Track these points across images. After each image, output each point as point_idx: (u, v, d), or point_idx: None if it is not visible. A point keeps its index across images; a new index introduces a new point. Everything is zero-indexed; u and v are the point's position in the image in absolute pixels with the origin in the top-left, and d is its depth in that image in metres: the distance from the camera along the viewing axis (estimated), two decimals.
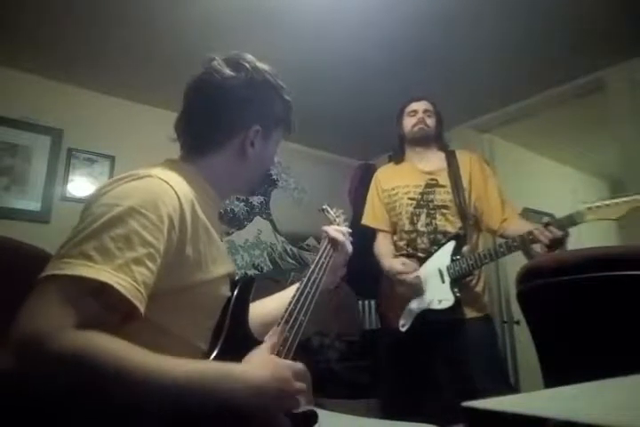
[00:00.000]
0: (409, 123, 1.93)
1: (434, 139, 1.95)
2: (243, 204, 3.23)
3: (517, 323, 2.76)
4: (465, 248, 1.73)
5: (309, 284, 0.92)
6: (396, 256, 1.87)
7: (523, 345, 2.71)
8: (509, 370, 2.67)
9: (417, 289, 1.71)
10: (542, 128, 3.17)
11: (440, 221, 1.80)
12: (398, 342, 1.80)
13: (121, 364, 0.56)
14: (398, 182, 1.92)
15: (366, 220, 2.02)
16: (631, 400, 0.37)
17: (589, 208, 1.39)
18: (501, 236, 1.78)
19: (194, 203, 0.76)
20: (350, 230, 1.18)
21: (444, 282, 1.68)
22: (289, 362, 0.72)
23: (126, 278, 0.61)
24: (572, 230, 1.49)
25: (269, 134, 0.90)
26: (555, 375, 0.97)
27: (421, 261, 1.77)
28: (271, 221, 3.36)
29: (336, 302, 2.90)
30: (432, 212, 1.82)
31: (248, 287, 0.86)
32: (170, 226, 0.69)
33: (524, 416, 0.30)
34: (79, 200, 2.54)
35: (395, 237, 1.94)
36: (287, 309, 0.86)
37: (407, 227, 1.85)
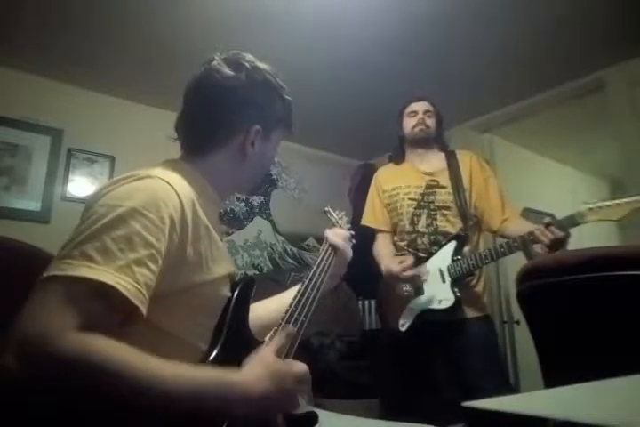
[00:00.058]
0: (409, 124, 1.93)
1: (434, 140, 1.94)
2: (243, 204, 3.23)
3: (517, 323, 2.76)
4: (466, 248, 1.73)
5: (310, 285, 0.92)
6: (396, 256, 1.87)
7: (523, 345, 2.71)
8: (509, 370, 2.67)
9: (417, 289, 1.72)
10: (542, 128, 3.17)
11: (441, 222, 1.80)
12: (398, 342, 1.80)
13: (121, 368, 0.56)
14: (399, 183, 1.91)
15: (366, 220, 2.01)
16: (631, 400, 0.37)
17: (590, 209, 1.39)
18: (502, 236, 1.78)
19: (194, 203, 0.75)
20: (353, 232, 1.18)
21: (444, 282, 1.68)
22: (291, 365, 0.71)
23: (128, 280, 0.61)
24: (573, 231, 1.48)
25: (269, 134, 0.90)
26: (555, 375, 0.97)
27: (422, 261, 1.77)
28: (271, 221, 3.36)
29: (336, 302, 2.90)
30: (433, 213, 1.82)
31: (248, 288, 0.86)
32: (171, 227, 0.68)
33: (523, 416, 0.30)
34: (79, 200, 2.54)
35: (395, 238, 1.94)
36: (288, 310, 0.86)
37: (408, 227, 1.85)
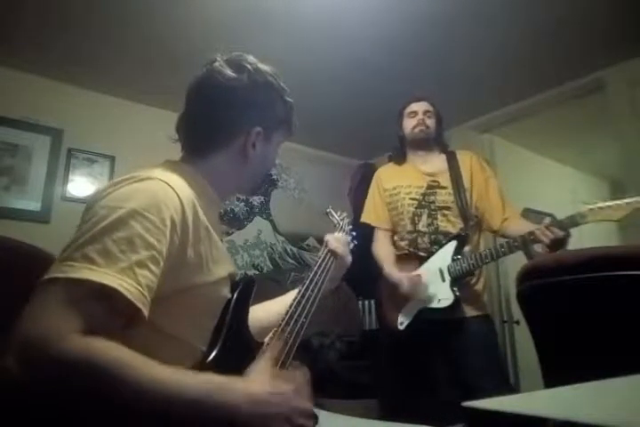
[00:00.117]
0: (409, 124, 1.93)
1: (434, 140, 1.95)
2: (243, 204, 3.23)
3: (517, 323, 2.76)
4: (466, 248, 1.73)
5: (311, 286, 0.93)
6: (396, 256, 1.87)
7: (523, 345, 2.71)
8: (509, 370, 2.67)
9: (417, 288, 1.72)
10: (542, 128, 3.17)
11: (441, 222, 1.81)
12: (398, 342, 1.80)
13: (123, 371, 0.56)
14: (400, 182, 1.92)
15: (366, 217, 2.01)
16: (631, 400, 0.37)
17: (591, 209, 1.39)
18: (502, 236, 1.79)
19: (195, 205, 0.75)
20: (354, 233, 1.18)
21: (444, 281, 1.68)
22: (291, 379, 0.70)
23: (130, 282, 0.61)
24: (573, 231, 1.49)
25: (270, 136, 0.90)
26: (555, 375, 0.97)
27: (422, 260, 1.78)
28: (271, 221, 3.36)
29: (336, 302, 2.90)
30: (433, 212, 1.82)
31: (248, 289, 0.86)
32: (172, 228, 0.68)
33: (523, 416, 0.30)
34: (79, 200, 2.54)
35: (395, 237, 1.94)
36: (288, 311, 0.86)
37: (409, 227, 1.85)
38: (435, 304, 1.67)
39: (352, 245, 1.18)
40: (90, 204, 0.71)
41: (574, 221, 1.44)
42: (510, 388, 2.02)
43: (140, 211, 0.65)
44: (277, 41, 2.26)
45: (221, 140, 0.86)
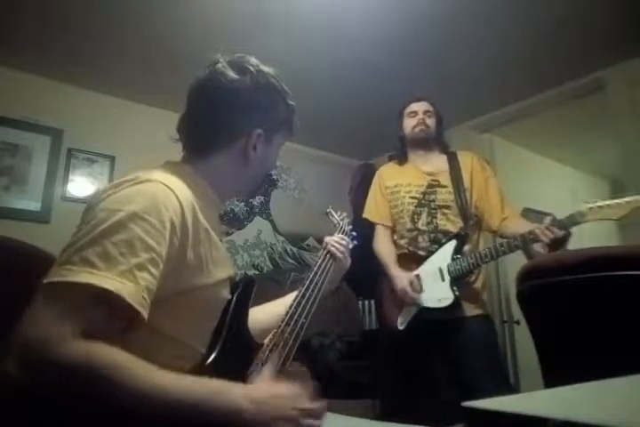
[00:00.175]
0: (409, 124, 1.93)
1: (434, 140, 1.95)
2: (243, 204, 3.23)
3: (517, 323, 2.76)
4: (466, 247, 1.73)
5: (311, 287, 0.93)
6: (397, 255, 1.87)
7: (523, 345, 2.71)
8: (509, 370, 2.67)
9: (416, 288, 1.72)
10: (542, 128, 3.17)
11: (441, 221, 1.81)
12: (397, 341, 1.80)
13: (122, 376, 0.56)
14: (401, 180, 1.92)
15: (367, 214, 2.02)
16: (631, 400, 0.37)
17: (591, 208, 1.39)
18: (501, 236, 1.79)
19: (194, 206, 0.75)
20: (354, 233, 1.18)
21: (443, 280, 1.68)
22: (293, 380, 0.70)
23: (130, 285, 0.61)
24: (574, 230, 1.49)
25: (271, 138, 0.90)
26: (555, 375, 0.97)
27: (422, 259, 1.78)
28: (271, 221, 3.36)
29: (336, 302, 2.90)
30: (433, 211, 1.83)
31: (248, 289, 0.86)
32: (172, 231, 0.68)
33: (523, 416, 0.30)
34: (79, 200, 2.54)
35: (395, 236, 1.94)
36: (288, 311, 0.86)
37: (408, 225, 1.85)
38: (434, 304, 1.67)
39: (352, 246, 1.18)
40: (90, 205, 0.71)
41: (574, 220, 1.44)
42: (510, 388, 2.02)
43: (140, 214, 0.65)
44: (277, 41, 2.26)
45: (222, 141, 0.86)
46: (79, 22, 2.11)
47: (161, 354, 0.60)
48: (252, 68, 0.86)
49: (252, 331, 0.84)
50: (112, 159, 2.74)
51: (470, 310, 1.70)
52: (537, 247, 1.54)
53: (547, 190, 3.43)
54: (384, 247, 1.91)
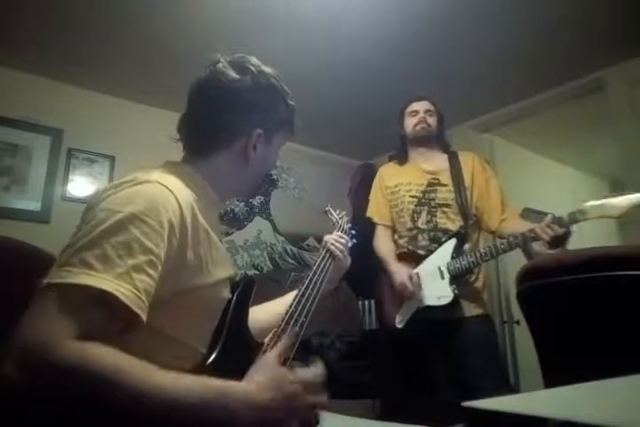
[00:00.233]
0: (410, 123, 1.94)
1: (435, 138, 1.95)
2: (243, 204, 3.23)
3: (517, 323, 2.76)
4: (466, 246, 1.73)
5: (310, 286, 0.93)
6: (396, 255, 1.87)
7: (523, 345, 2.71)
8: (509, 370, 2.67)
9: (415, 282, 1.72)
10: (542, 128, 3.17)
11: (441, 219, 1.81)
12: (397, 341, 1.80)
13: (121, 377, 0.56)
14: (401, 180, 1.93)
15: (370, 213, 2.03)
16: (631, 400, 0.37)
17: (591, 206, 1.40)
18: (500, 236, 1.79)
19: (194, 207, 0.75)
20: (354, 232, 1.18)
21: (443, 279, 1.69)
22: (298, 374, 0.69)
23: (127, 286, 0.61)
24: (574, 230, 1.49)
25: (271, 138, 0.90)
26: (555, 375, 0.97)
27: (421, 258, 1.78)
28: (271, 221, 3.36)
29: (336, 302, 2.90)
30: (433, 210, 1.83)
31: (248, 289, 0.86)
32: (170, 232, 0.68)
33: (523, 416, 0.30)
34: (79, 200, 2.54)
35: (395, 236, 1.94)
36: (288, 310, 0.86)
37: (408, 224, 1.86)
38: (434, 302, 1.67)
39: (351, 244, 1.18)
40: (89, 205, 0.71)
41: (574, 217, 1.44)
42: (510, 388, 2.02)
43: (139, 215, 0.65)
44: (277, 41, 2.26)
45: (223, 141, 0.86)
46: (79, 22, 2.11)
47: (161, 354, 0.60)
48: (252, 68, 0.86)
49: (253, 330, 0.84)
50: (112, 159, 2.74)
51: (470, 310, 1.71)
52: (537, 247, 1.54)
53: (547, 190, 3.43)
54: (384, 246, 1.92)
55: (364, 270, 1.84)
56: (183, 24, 2.15)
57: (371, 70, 2.53)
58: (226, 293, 0.82)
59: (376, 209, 2.00)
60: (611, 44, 2.28)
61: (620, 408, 0.34)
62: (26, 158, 2.48)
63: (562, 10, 2.02)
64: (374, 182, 2.07)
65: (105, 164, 2.72)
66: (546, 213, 1.52)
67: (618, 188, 3.88)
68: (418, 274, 1.74)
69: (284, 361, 0.78)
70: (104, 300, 0.59)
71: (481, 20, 2.11)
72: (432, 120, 1.92)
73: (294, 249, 3.41)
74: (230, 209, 3.15)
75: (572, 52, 2.35)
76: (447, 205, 1.82)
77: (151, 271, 0.64)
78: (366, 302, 3.09)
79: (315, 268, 1.00)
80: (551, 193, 3.43)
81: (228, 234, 3.06)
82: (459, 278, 1.68)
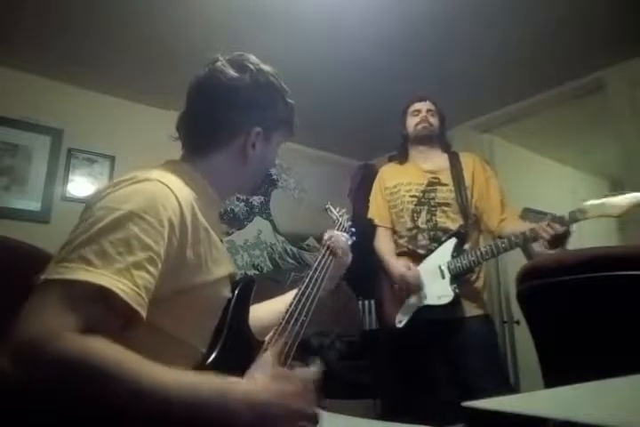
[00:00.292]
0: (412, 122, 1.94)
1: (437, 138, 1.96)
2: (243, 204, 3.23)
3: (517, 323, 2.76)
4: (466, 245, 1.73)
5: (311, 284, 0.93)
6: (397, 254, 1.87)
7: (523, 345, 2.71)
8: (509, 370, 2.67)
9: (416, 285, 1.72)
10: (542, 128, 3.17)
11: (440, 218, 1.81)
12: (397, 341, 1.80)
13: (121, 371, 0.55)
14: (401, 180, 1.93)
15: (371, 214, 2.03)
16: (631, 400, 0.37)
17: (591, 205, 1.40)
18: (499, 237, 1.78)
19: (193, 206, 0.75)
20: (354, 229, 1.18)
21: (443, 278, 1.69)
22: (298, 374, 0.69)
23: (126, 283, 0.60)
24: (574, 230, 1.49)
25: (270, 136, 0.90)
26: (555, 375, 0.97)
27: (421, 258, 1.78)
28: (271, 221, 3.36)
29: (336, 302, 2.90)
30: (433, 209, 1.83)
31: (248, 288, 0.86)
32: (170, 230, 0.68)
33: (523, 416, 0.30)
34: (79, 200, 2.54)
35: (395, 236, 1.94)
36: (288, 309, 0.86)
37: (408, 224, 1.86)
38: (434, 301, 1.67)
39: (351, 242, 1.18)
40: (88, 204, 0.71)
41: (574, 216, 1.44)
42: (510, 388, 2.02)
43: (138, 213, 0.65)
44: (277, 41, 2.26)
45: (222, 139, 0.86)
46: (79, 22, 2.11)
47: (161, 353, 0.60)
48: (251, 67, 0.86)
49: (253, 328, 0.84)
50: (112, 159, 2.74)
51: (470, 310, 1.70)
52: (537, 247, 1.54)
53: (547, 190, 3.43)
54: (384, 246, 1.92)
55: (364, 270, 1.84)
56: (183, 24, 2.15)
57: (371, 70, 2.53)
58: (226, 292, 0.82)
59: (376, 211, 2.01)
60: (611, 44, 2.28)
61: (620, 408, 0.34)
62: (26, 158, 2.48)
63: (562, 10, 2.02)
64: (375, 183, 2.07)
65: (105, 164, 2.72)
66: (546, 213, 1.53)
67: (618, 187, 3.87)
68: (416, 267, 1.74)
69: (284, 360, 0.78)
70: (103, 295, 0.59)
71: (481, 20, 2.11)
72: (434, 120, 1.93)
73: (294, 249, 3.41)
74: (230, 209, 3.15)
75: (572, 52, 2.35)
76: (447, 205, 1.82)
77: (151, 268, 0.64)
78: (366, 302, 3.09)
79: (315, 265, 0.99)
80: (551, 193, 3.43)
81: (228, 234, 3.06)
82: (459, 278, 1.68)
